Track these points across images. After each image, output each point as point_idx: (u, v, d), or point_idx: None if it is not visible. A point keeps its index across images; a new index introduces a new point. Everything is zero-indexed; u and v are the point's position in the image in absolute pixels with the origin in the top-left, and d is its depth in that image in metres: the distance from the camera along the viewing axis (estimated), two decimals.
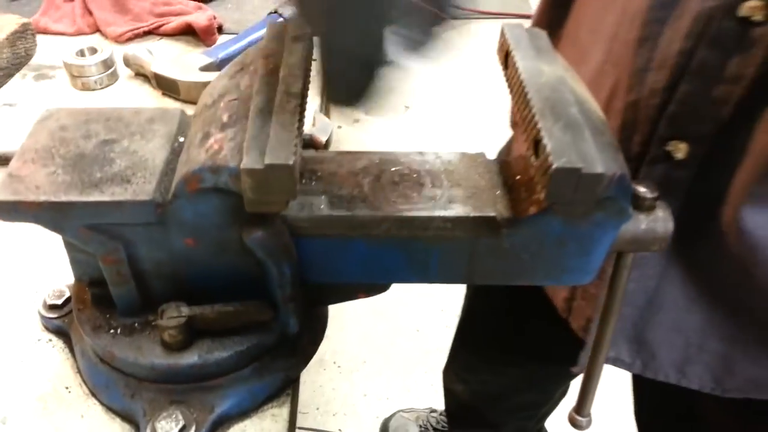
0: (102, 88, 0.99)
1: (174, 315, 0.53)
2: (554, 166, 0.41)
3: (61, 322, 0.63)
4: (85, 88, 0.98)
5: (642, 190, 0.52)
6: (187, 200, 0.47)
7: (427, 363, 1.92)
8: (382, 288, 0.59)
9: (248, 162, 0.40)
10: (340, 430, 1.80)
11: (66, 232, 0.49)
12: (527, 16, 3.50)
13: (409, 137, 2.61)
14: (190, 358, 0.54)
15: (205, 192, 0.46)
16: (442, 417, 1.64)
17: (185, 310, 0.53)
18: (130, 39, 1.10)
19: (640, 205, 0.52)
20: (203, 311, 0.53)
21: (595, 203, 0.46)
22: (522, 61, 0.50)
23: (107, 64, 0.99)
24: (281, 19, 1.10)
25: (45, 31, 1.12)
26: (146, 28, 1.11)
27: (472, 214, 0.51)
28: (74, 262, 0.56)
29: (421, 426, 1.69)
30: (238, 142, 0.44)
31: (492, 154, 0.62)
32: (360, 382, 1.89)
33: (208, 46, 1.10)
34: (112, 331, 0.56)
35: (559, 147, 0.42)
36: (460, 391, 1.25)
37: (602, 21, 0.63)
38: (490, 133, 0.57)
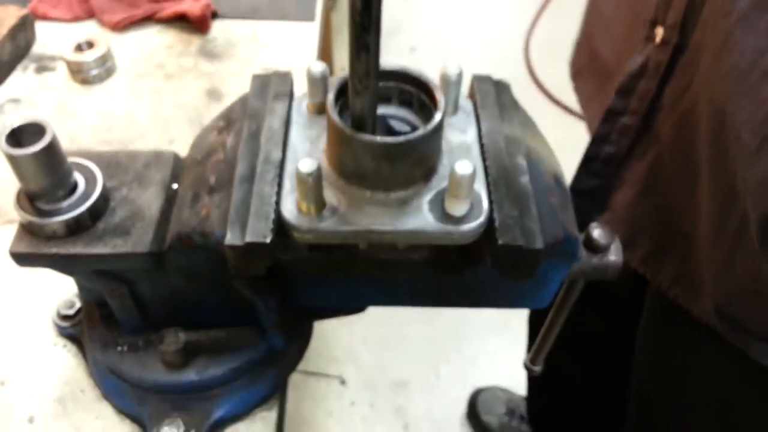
0: (101, 83, 1.03)
1: (173, 340, 0.60)
2: (499, 242, 0.46)
3: (73, 330, 0.70)
4: (85, 82, 1.02)
5: (597, 233, 0.58)
6: (180, 252, 0.53)
7: (423, 312, 1.99)
8: (360, 308, 0.66)
9: (230, 239, 0.46)
10: (341, 375, 1.92)
11: (76, 275, 0.56)
12: None
13: None
14: (189, 375, 0.61)
15: (196, 247, 0.52)
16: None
17: (183, 336, 0.60)
18: (126, 26, 1.13)
19: (594, 248, 0.58)
20: (199, 337, 0.60)
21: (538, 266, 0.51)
22: (484, 122, 0.54)
23: (105, 58, 1.02)
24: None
25: (43, 17, 1.14)
26: (141, 15, 1.13)
27: (437, 256, 0.57)
28: (82, 290, 0.63)
29: (508, 409, 1.74)
30: (223, 210, 0.50)
31: None
32: (359, 331, 2.01)
33: (203, 33, 1.13)
34: (119, 348, 0.63)
35: (506, 223, 0.47)
36: None
37: None
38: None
